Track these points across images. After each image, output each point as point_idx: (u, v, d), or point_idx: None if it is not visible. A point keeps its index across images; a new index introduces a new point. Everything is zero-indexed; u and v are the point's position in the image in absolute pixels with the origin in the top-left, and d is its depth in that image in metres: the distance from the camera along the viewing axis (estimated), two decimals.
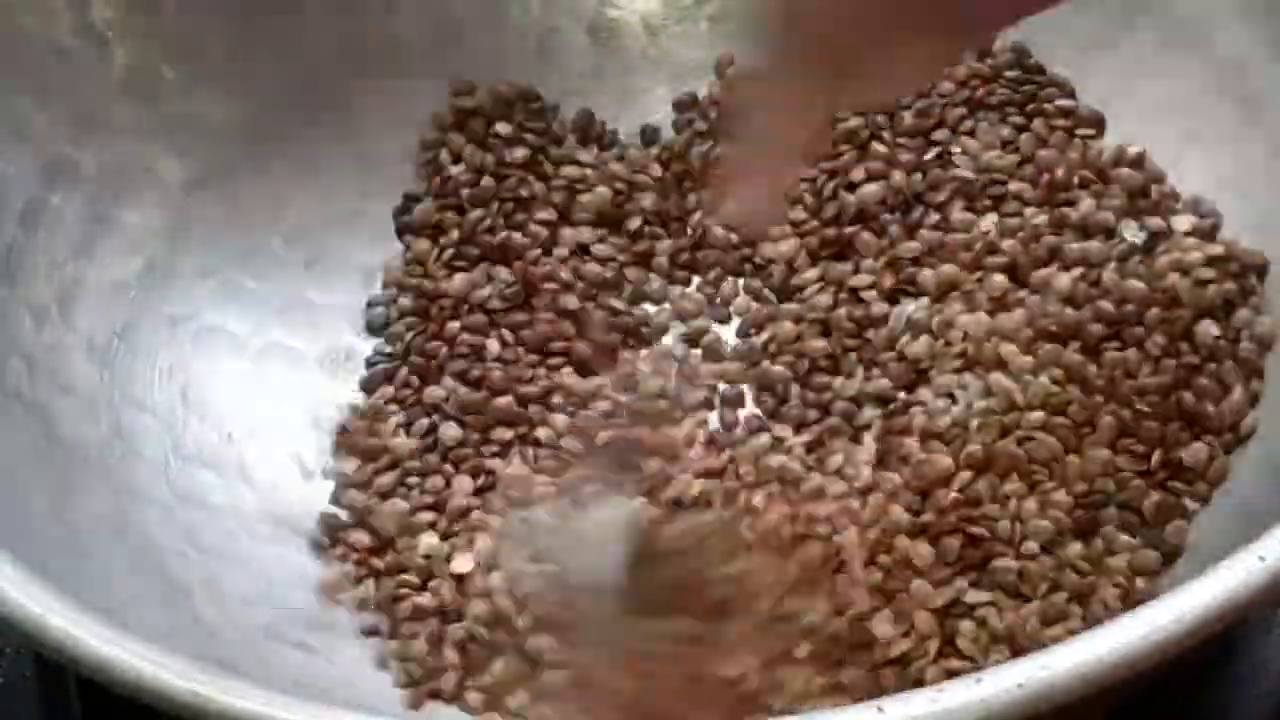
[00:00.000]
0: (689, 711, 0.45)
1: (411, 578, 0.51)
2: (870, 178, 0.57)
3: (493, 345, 0.55)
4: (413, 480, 0.53)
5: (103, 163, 0.55)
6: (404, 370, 0.55)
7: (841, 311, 0.55)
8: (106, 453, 0.51)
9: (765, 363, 0.55)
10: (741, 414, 0.54)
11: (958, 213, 0.56)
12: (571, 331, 0.56)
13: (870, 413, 0.53)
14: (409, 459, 0.53)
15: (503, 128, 0.59)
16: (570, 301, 0.56)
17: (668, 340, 0.56)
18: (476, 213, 0.58)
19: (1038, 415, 0.50)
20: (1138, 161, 0.56)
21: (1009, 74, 0.58)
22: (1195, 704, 0.50)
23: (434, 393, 0.54)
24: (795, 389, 0.54)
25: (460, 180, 0.59)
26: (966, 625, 0.48)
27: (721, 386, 0.55)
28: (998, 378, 0.52)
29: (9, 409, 0.49)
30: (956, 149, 0.57)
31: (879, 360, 0.54)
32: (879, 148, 0.57)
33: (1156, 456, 0.49)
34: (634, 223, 0.58)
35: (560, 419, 0.54)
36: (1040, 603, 0.48)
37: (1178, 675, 0.47)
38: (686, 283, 0.58)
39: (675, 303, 0.57)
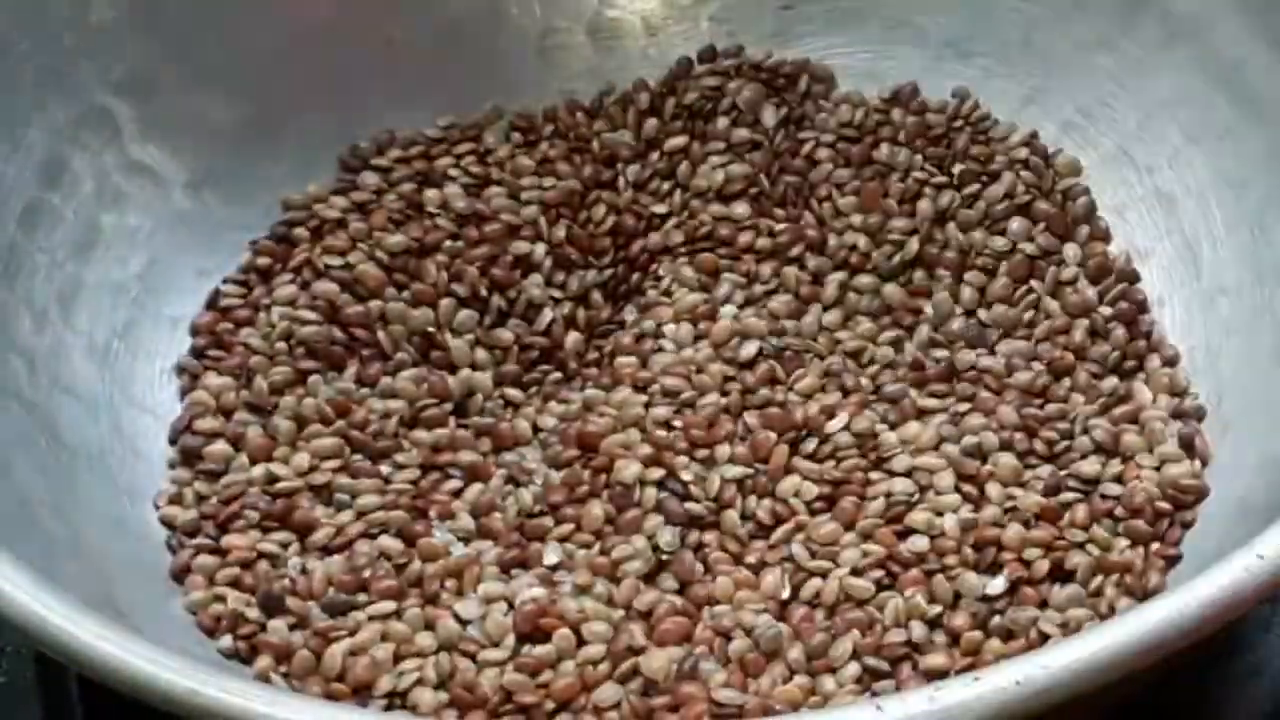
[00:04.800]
0: None
1: None
2: None
3: None
4: None
5: (103, 163, 0.55)
6: None
7: None
8: (106, 453, 0.51)
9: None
10: None
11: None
12: None
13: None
14: None
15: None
16: None
17: None
18: None
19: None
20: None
21: None
22: (1195, 703, 0.50)
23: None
24: None
25: None
26: None
27: None
28: None
29: (9, 409, 0.49)
30: None
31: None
32: None
33: None
34: None
35: None
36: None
37: (1178, 674, 0.47)
38: None
39: None
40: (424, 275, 0.56)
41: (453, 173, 0.59)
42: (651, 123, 0.60)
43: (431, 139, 0.60)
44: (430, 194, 0.58)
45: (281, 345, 0.55)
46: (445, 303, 0.56)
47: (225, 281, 0.56)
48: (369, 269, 0.56)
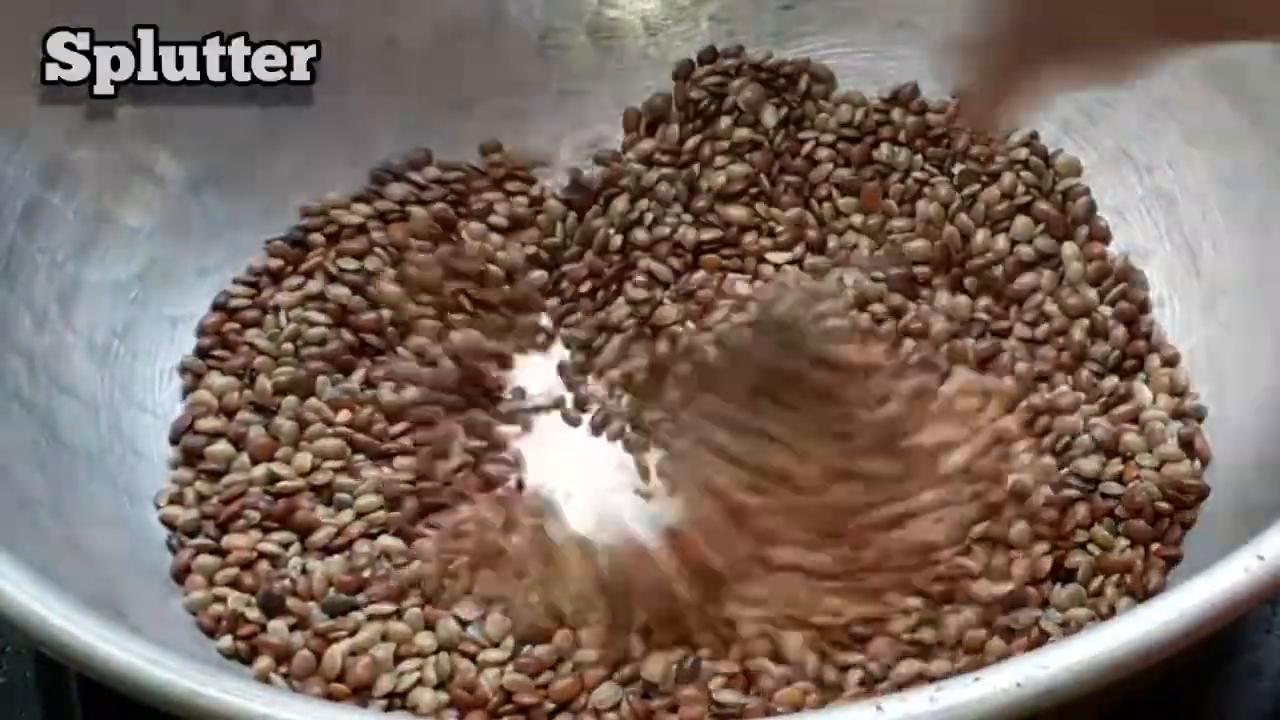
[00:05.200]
0: None
1: None
2: None
3: None
4: None
5: (103, 163, 0.55)
6: None
7: None
8: (106, 453, 0.51)
9: None
10: None
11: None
12: None
13: None
14: None
15: None
16: None
17: None
18: None
19: None
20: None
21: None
22: (1195, 703, 0.50)
23: None
24: None
25: None
26: None
27: None
28: None
29: (9, 409, 0.49)
30: None
31: None
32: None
33: None
34: None
35: None
36: None
37: (1178, 674, 0.47)
38: None
39: None
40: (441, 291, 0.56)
41: (498, 207, 0.59)
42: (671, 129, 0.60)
43: (474, 169, 0.60)
44: (474, 226, 0.58)
45: (288, 346, 0.55)
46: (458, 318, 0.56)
47: (235, 283, 0.56)
48: (389, 287, 0.56)
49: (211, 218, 0.57)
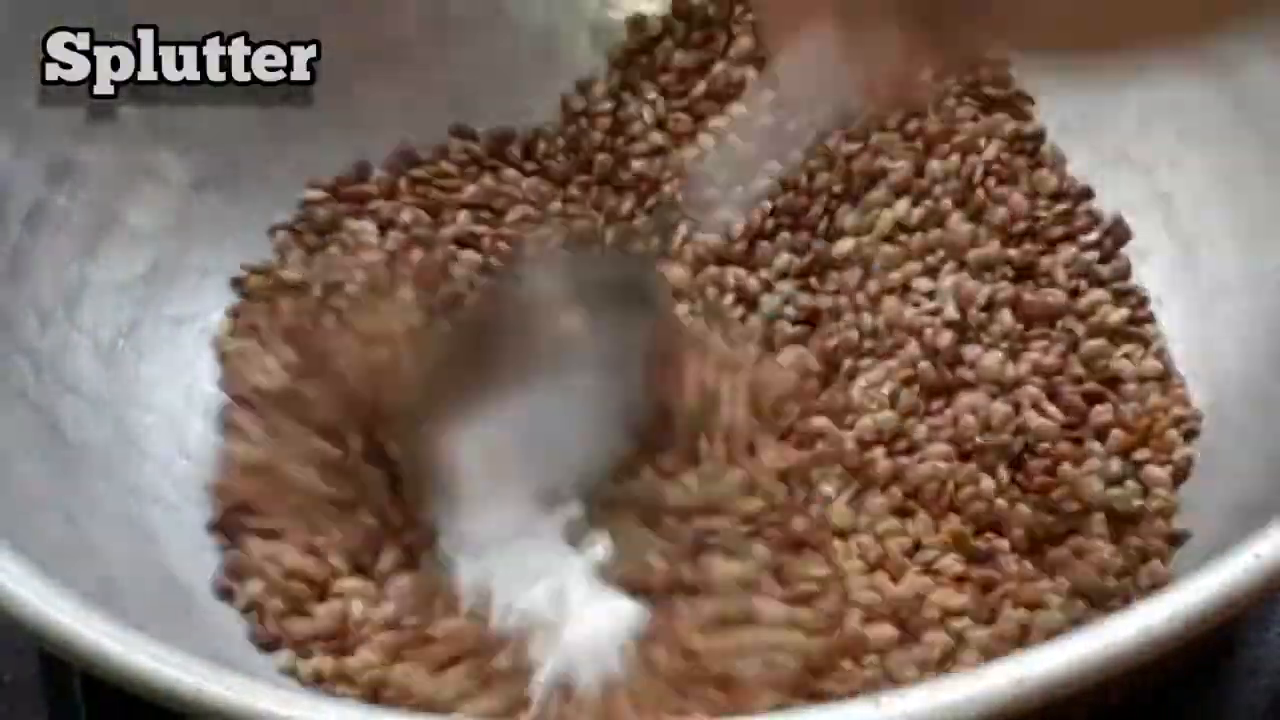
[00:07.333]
0: None
1: None
2: None
3: None
4: None
5: (107, 163, 0.55)
6: None
7: None
8: (112, 452, 0.51)
9: None
10: None
11: None
12: None
13: None
14: None
15: None
16: None
17: None
18: None
19: None
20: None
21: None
22: (1195, 701, 0.50)
23: None
24: None
25: None
26: None
27: None
28: None
29: (14, 408, 0.49)
30: None
31: None
32: None
33: None
34: None
35: None
36: None
37: (1177, 673, 0.47)
38: None
39: None
40: None
41: None
42: None
43: None
44: None
45: None
46: None
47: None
48: None
49: (215, 218, 0.57)
